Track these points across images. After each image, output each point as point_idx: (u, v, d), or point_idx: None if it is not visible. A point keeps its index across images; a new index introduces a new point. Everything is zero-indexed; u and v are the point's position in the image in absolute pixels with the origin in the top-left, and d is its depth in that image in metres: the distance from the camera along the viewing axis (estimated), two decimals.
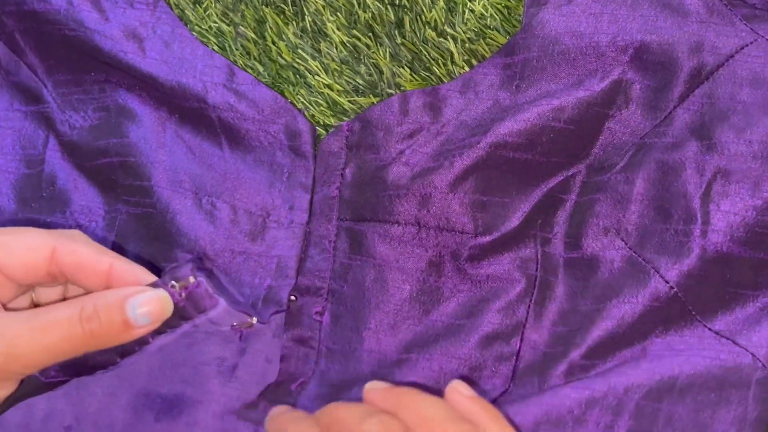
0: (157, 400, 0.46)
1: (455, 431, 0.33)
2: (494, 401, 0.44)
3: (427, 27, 0.50)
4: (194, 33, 0.50)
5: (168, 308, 0.37)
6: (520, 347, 0.44)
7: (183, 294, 0.39)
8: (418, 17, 0.50)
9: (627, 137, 0.45)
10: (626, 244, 0.43)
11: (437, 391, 0.37)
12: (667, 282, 0.42)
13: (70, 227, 0.48)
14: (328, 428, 0.35)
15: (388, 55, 0.50)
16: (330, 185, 0.48)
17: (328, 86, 0.50)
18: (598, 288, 0.43)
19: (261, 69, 0.51)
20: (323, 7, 0.51)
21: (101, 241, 0.45)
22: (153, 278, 0.39)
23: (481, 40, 0.50)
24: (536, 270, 0.45)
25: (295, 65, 0.51)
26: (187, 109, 0.48)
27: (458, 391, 0.37)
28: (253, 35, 0.51)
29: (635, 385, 0.42)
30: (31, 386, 0.40)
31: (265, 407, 0.44)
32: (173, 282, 0.38)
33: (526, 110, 0.45)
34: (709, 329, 0.43)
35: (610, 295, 0.43)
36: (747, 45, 0.44)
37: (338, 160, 0.48)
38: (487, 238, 0.46)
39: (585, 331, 0.43)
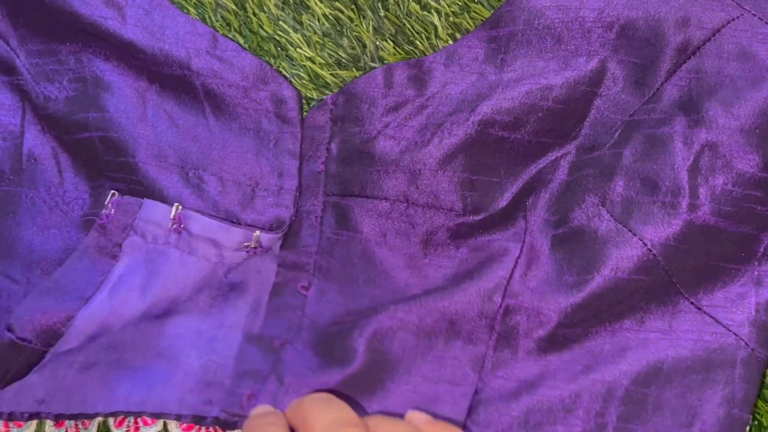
0: (131, 373, 0.45)
1: None
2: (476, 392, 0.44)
3: (410, 0, 0.49)
4: (174, 3, 0.49)
5: None
6: (502, 302, 0.44)
7: (112, 210, 0.45)
8: None
9: (616, 115, 0.45)
10: (611, 215, 0.43)
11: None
12: (650, 251, 0.42)
13: (55, 203, 0.48)
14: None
15: (371, 28, 0.49)
16: (316, 160, 0.47)
17: (310, 59, 0.49)
18: (583, 260, 0.43)
19: (242, 41, 0.50)
20: None
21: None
22: None
23: (465, 14, 0.49)
24: (523, 242, 0.45)
25: (277, 37, 0.50)
26: (169, 78, 0.47)
27: (416, 418, 0.38)
28: (234, 6, 0.50)
29: (622, 372, 0.43)
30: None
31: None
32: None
33: (513, 88, 0.44)
34: (692, 303, 0.43)
35: (595, 266, 0.42)
36: (733, 19, 0.44)
37: (323, 134, 0.47)
38: (476, 218, 0.45)
39: (567, 301, 0.43)
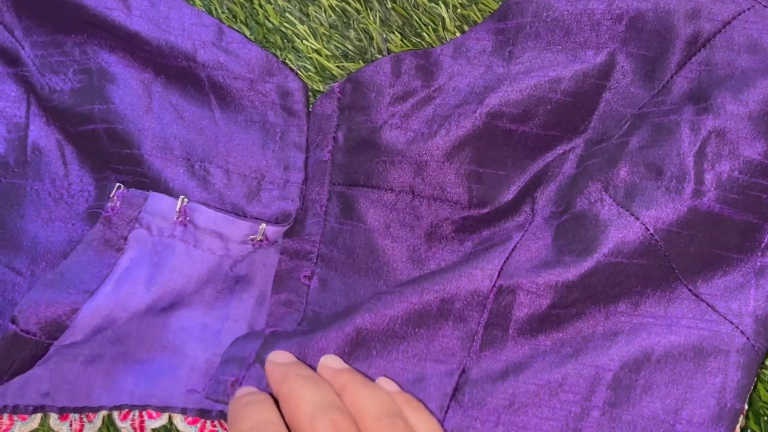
0: (136, 366, 0.45)
1: (387, 425, 0.36)
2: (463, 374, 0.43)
3: None
4: None
5: None
6: (496, 282, 0.43)
7: (117, 202, 0.45)
8: None
9: (625, 108, 0.44)
10: (614, 200, 0.42)
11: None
12: (652, 235, 0.41)
13: (60, 195, 0.47)
14: (285, 409, 0.37)
15: (378, 19, 0.49)
16: (322, 149, 0.47)
17: (317, 51, 0.49)
18: (583, 243, 0.42)
19: (248, 33, 0.49)
20: None
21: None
22: None
23: (473, 6, 0.49)
24: (526, 230, 0.44)
25: (283, 29, 0.50)
26: (174, 69, 0.47)
27: (386, 384, 0.41)
28: None
29: (612, 357, 0.42)
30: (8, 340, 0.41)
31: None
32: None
33: (521, 80, 0.44)
34: (690, 290, 0.42)
35: (595, 248, 0.42)
36: (744, 11, 0.43)
37: (330, 122, 0.47)
38: (482, 211, 0.45)
39: (562, 280, 0.42)
